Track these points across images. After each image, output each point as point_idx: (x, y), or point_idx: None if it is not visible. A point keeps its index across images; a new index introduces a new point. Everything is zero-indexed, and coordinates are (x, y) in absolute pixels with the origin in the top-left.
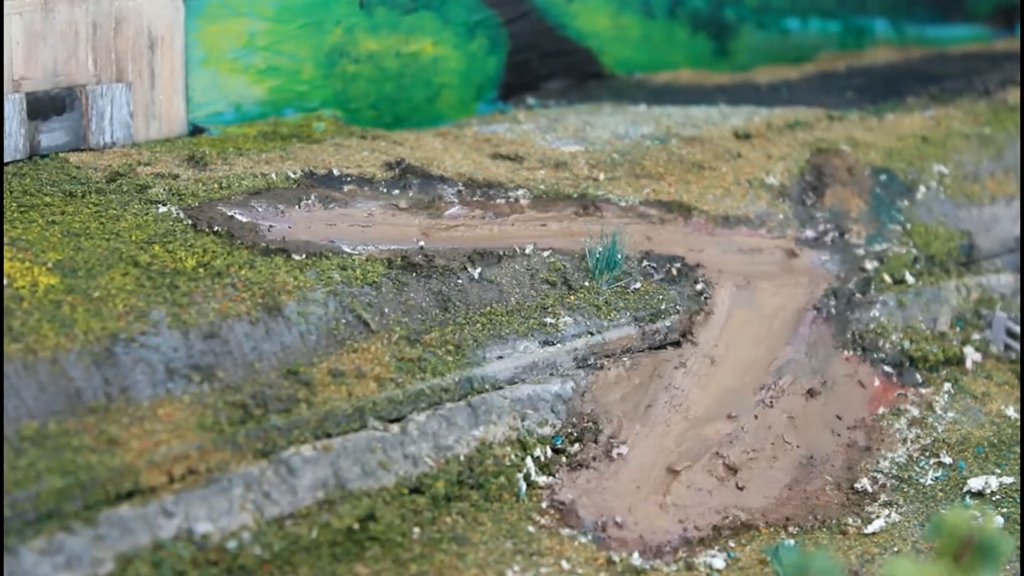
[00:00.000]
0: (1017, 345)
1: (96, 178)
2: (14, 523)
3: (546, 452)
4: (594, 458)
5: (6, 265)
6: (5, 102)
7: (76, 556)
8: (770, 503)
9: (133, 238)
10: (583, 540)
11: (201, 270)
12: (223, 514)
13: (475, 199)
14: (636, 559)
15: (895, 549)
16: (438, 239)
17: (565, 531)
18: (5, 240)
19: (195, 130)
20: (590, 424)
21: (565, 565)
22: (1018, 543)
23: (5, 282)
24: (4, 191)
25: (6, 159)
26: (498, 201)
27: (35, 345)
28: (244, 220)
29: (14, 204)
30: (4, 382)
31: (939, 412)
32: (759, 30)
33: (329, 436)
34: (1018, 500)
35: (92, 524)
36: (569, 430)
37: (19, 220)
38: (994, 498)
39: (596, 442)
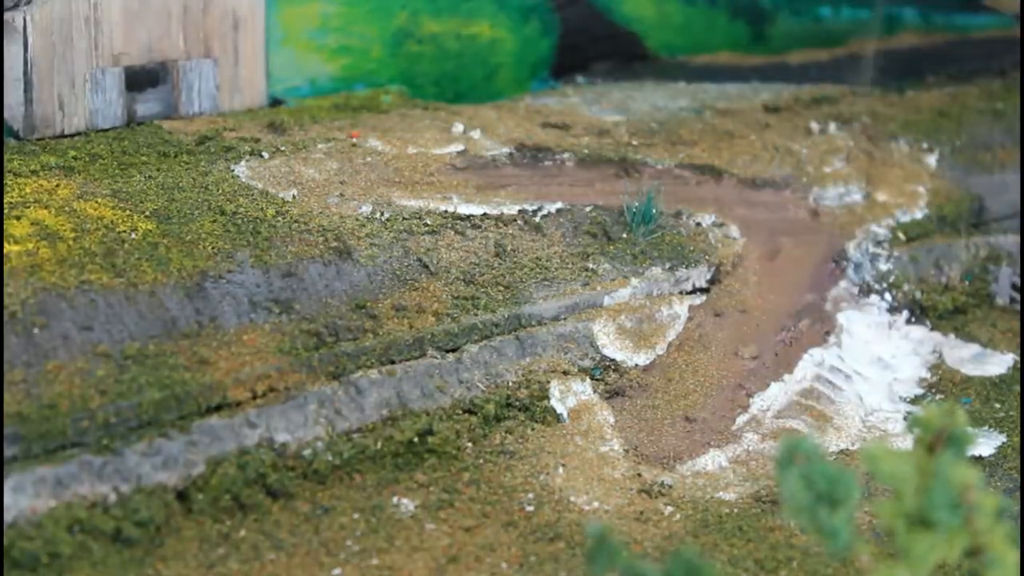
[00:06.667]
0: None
1: (186, 141)
2: (119, 428)
3: (585, 381)
4: (628, 387)
5: (109, 213)
6: (106, 75)
7: (173, 457)
8: None
9: (220, 191)
10: (619, 456)
11: (280, 218)
12: (299, 426)
13: (525, 161)
14: (660, 473)
15: None
16: (492, 195)
17: (603, 448)
18: (107, 191)
19: (274, 102)
20: None
21: (603, 470)
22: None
23: (107, 227)
24: (105, 152)
25: (107, 126)
26: (546, 163)
27: (135, 279)
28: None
29: (115, 163)
30: (107, 311)
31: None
32: (793, 17)
33: (392, 362)
34: (1017, 471)
35: (186, 431)
36: (606, 363)
37: (120, 176)
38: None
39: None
